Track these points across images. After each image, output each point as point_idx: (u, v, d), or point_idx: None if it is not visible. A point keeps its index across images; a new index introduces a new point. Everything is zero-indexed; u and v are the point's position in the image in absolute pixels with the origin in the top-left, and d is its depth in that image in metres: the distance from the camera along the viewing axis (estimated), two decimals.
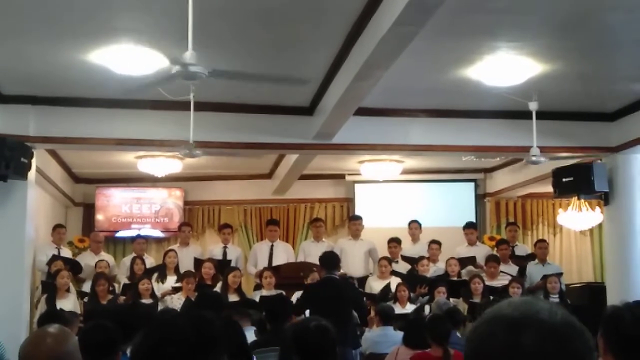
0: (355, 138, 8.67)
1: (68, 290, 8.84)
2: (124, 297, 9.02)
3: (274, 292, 8.88)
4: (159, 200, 12.57)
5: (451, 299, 8.84)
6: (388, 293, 9.16)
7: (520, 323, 1.31)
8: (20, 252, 8.12)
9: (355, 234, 10.85)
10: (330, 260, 7.64)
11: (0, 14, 5.73)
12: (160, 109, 8.08)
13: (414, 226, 11.01)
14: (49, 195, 11.16)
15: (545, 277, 9.51)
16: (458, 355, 5.46)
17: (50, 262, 9.38)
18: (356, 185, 12.72)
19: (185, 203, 12.70)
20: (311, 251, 10.24)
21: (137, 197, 12.51)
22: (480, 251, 10.53)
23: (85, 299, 9.08)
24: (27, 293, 8.42)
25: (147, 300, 8.75)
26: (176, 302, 8.78)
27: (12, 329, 7.36)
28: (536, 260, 10.22)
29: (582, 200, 10.08)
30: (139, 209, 12.48)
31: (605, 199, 9.23)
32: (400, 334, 6.46)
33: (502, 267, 9.84)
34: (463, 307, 8.70)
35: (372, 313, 8.19)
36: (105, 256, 10.55)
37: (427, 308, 8.64)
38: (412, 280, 9.51)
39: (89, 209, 12.54)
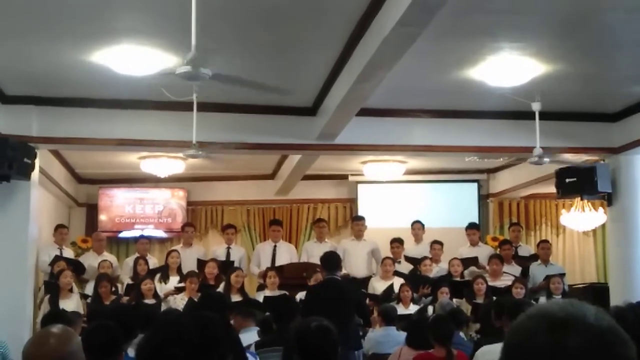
0: (358, 138, 8.67)
1: (71, 291, 8.84)
2: (127, 298, 9.03)
3: (277, 292, 8.88)
4: (162, 200, 12.58)
5: (454, 300, 8.83)
6: (391, 293, 9.16)
7: (567, 324, 1.30)
8: (23, 253, 8.13)
9: (358, 235, 10.85)
10: (331, 261, 7.63)
11: (2, 14, 5.74)
12: (163, 110, 8.09)
13: (417, 227, 11.01)
14: (52, 196, 11.17)
15: (548, 278, 9.50)
16: (461, 356, 5.46)
17: (52, 263, 9.39)
18: (359, 185, 12.72)
19: (188, 203, 12.71)
20: (314, 251, 10.23)
21: (140, 198, 12.52)
22: (483, 252, 10.53)
23: (88, 300, 9.08)
24: (30, 293, 8.43)
25: (149, 301, 8.75)
26: (179, 302, 8.78)
27: (16, 329, 7.38)
28: (539, 261, 10.22)
29: (585, 201, 10.09)
30: (142, 209, 12.48)
31: (608, 199, 9.22)
32: (403, 335, 6.46)
33: (505, 268, 9.83)
34: (466, 307, 8.69)
35: (375, 313, 8.19)
36: (108, 256, 10.56)
37: (430, 309, 8.64)
38: (415, 280, 9.51)
39: (92, 210, 12.55)
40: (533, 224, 12.89)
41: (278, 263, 10.22)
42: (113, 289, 9.22)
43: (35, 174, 8.21)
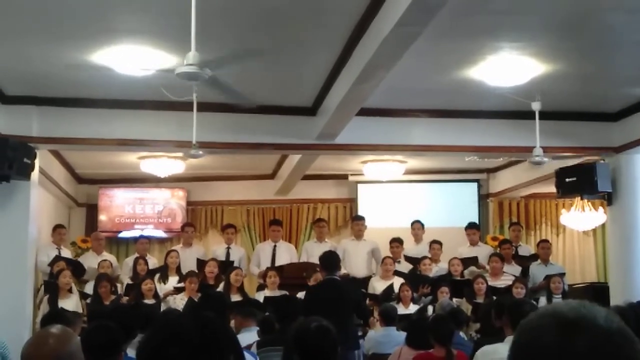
0: (358, 138, 8.67)
1: (70, 291, 8.84)
2: (127, 298, 9.02)
3: (277, 292, 8.88)
4: (162, 200, 12.58)
5: (454, 299, 8.83)
6: (391, 293, 9.15)
7: (576, 325, 1.30)
8: (23, 253, 8.13)
9: (358, 235, 10.84)
10: (330, 261, 7.62)
11: (2, 14, 5.74)
12: (163, 110, 8.09)
13: (417, 226, 11.01)
14: (52, 196, 11.17)
15: (547, 278, 9.50)
16: (461, 356, 5.46)
17: (52, 263, 9.38)
18: (359, 185, 12.72)
19: (188, 203, 12.71)
20: (314, 251, 10.21)
21: (140, 198, 12.52)
22: (482, 251, 10.53)
23: (88, 300, 9.08)
24: (30, 293, 8.43)
25: (149, 301, 8.75)
26: (179, 302, 8.78)
27: (15, 330, 7.37)
28: (539, 261, 10.22)
29: (585, 201, 10.09)
30: (141, 209, 12.49)
31: (608, 199, 9.22)
32: (403, 335, 6.45)
33: (505, 268, 9.83)
34: (466, 307, 8.69)
35: (375, 313, 8.19)
36: (108, 256, 10.56)
37: (430, 308, 8.64)
38: (415, 280, 9.51)
39: (92, 210, 12.55)
40: (533, 224, 12.89)
41: (278, 263, 10.21)
42: (113, 289, 9.22)
43: (35, 174, 8.21)
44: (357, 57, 6.33)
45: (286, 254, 10.60)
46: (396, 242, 10.54)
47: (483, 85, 7.44)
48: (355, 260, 10.55)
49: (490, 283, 9.18)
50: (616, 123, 9.03)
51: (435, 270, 10.00)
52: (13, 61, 6.92)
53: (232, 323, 6.45)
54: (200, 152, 7.40)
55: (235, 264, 9.93)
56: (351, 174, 12.45)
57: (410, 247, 10.74)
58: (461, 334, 6.84)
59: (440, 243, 10.49)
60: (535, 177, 11.23)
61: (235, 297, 8.59)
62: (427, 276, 9.68)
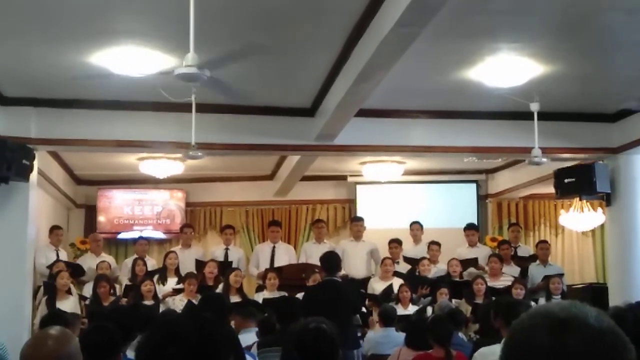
0: (357, 139, 8.67)
1: (69, 292, 8.84)
2: (126, 299, 9.02)
3: (276, 293, 8.88)
4: (161, 201, 12.57)
5: (453, 300, 8.83)
6: (390, 294, 9.16)
7: (567, 324, 1.31)
8: (22, 254, 8.12)
9: (357, 235, 10.84)
10: (331, 262, 7.62)
11: (1, 16, 5.74)
12: (162, 111, 8.09)
13: (416, 227, 11.01)
14: (51, 197, 11.17)
15: (546, 278, 9.51)
16: (460, 357, 5.46)
17: (51, 266, 9.38)
18: (358, 186, 12.72)
19: (187, 204, 12.71)
20: (313, 252, 10.22)
21: (139, 199, 12.52)
22: (481, 252, 10.55)
23: (87, 302, 9.07)
24: (29, 295, 8.43)
25: (149, 302, 8.74)
26: (178, 303, 8.78)
27: (14, 331, 7.37)
28: (538, 261, 10.22)
29: (584, 201, 10.09)
30: (140, 210, 12.48)
31: (607, 199, 9.22)
32: (402, 335, 6.46)
33: (504, 269, 9.84)
34: (466, 308, 8.69)
35: (375, 314, 8.19)
36: (106, 257, 10.56)
37: (429, 309, 8.64)
38: (414, 281, 9.51)
39: (91, 211, 12.55)
40: (532, 224, 12.89)
41: (277, 264, 10.21)
42: (112, 290, 9.22)
43: (33, 176, 8.20)
44: (355, 58, 6.33)
45: (285, 255, 10.60)
46: (395, 242, 10.55)
47: (482, 86, 7.45)
48: (354, 261, 10.55)
49: (489, 284, 9.19)
50: (615, 124, 9.03)
51: (434, 271, 10.01)
52: (12, 62, 6.91)
53: (232, 324, 6.45)
54: (199, 153, 7.40)
55: (234, 265, 9.94)
56: (350, 175, 12.45)
57: (409, 248, 10.75)
58: (460, 334, 6.85)
59: (438, 244, 10.49)
60: (534, 177, 11.24)
61: (235, 298, 8.58)
62: (426, 277, 9.68)
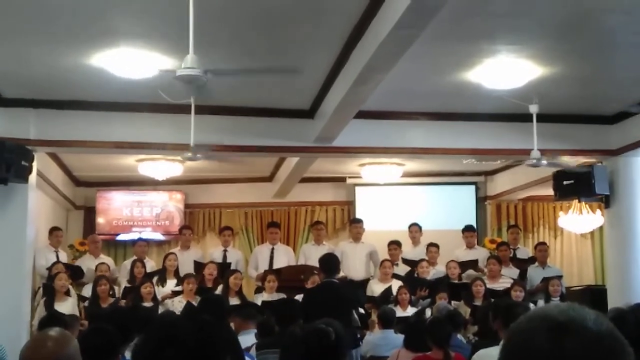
0: (356, 141, 8.67)
1: (67, 294, 8.83)
2: (125, 301, 9.02)
3: (275, 295, 8.88)
4: (160, 203, 12.58)
5: (452, 302, 8.83)
6: (389, 296, 9.16)
7: (566, 327, 1.31)
8: (21, 255, 8.12)
9: (356, 237, 10.84)
10: (330, 264, 7.61)
11: (0, 16, 5.74)
12: (161, 112, 8.09)
13: (414, 229, 11.01)
14: (50, 199, 11.17)
15: (545, 280, 9.50)
16: (459, 358, 5.46)
17: (50, 267, 9.38)
18: (357, 188, 12.72)
19: (186, 206, 12.71)
20: (311, 254, 10.22)
21: (138, 200, 12.52)
22: (479, 254, 10.55)
23: (86, 303, 9.07)
24: (28, 296, 8.42)
25: (148, 304, 8.74)
26: (177, 305, 8.78)
27: (13, 332, 7.37)
28: (536, 263, 10.22)
29: (583, 203, 10.09)
30: (139, 212, 12.49)
31: (606, 201, 9.23)
32: (401, 337, 6.45)
33: (503, 271, 9.83)
34: (464, 310, 8.69)
35: (374, 316, 8.19)
36: (105, 259, 10.56)
37: (428, 311, 8.64)
38: (413, 283, 9.51)
39: (90, 212, 12.55)
40: (531, 226, 12.90)
41: (276, 266, 10.21)
42: (111, 291, 9.22)
43: (32, 177, 8.20)
44: (355, 60, 6.33)
45: (284, 257, 10.59)
46: (394, 244, 10.54)
47: (481, 88, 7.45)
48: (354, 263, 10.55)
49: (488, 286, 9.19)
50: (614, 126, 9.03)
51: (433, 273, 10.00)
52: (10, 63, 6.91)
53: (232, 326, 6.45)
54: (198, 155, 7.40)
55: (233, 267, 9.94)
56: (349, 177, 12.46)
57: (408, 250, 10.74)
58: (459, 336, 6.85)
59: (437, 246, 10.49)
60: (533, 179, 11.23)
61: (234, 301, 8.58)
62: (424, 279, 9.68)
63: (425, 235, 10.98)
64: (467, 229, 10.97)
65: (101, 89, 7.50)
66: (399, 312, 8.45)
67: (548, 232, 12.84)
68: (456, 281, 9.65)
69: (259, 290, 9.67)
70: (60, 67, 6.86)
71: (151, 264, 10.53)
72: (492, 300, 8.24)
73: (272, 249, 10.65)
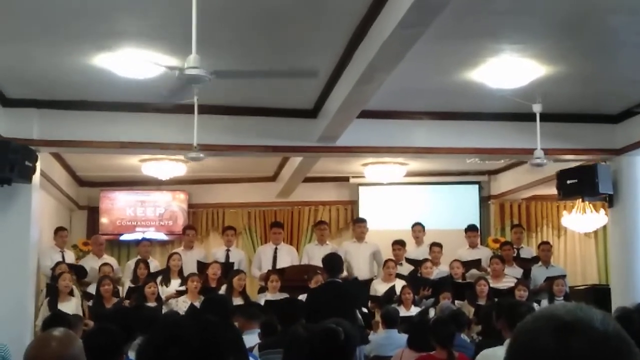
0: (359, 141, 8.67)
1: (71, 294, 8.84)
2: (129, 301, 9.03)
3: (278, 295, 8.88)
4: (163, 203, 12.58)
5: (456, 302, 8.83)
6: (393, 295, 9.15)
7: (573, 327, 1.30)
8: (25, 255, 8.13)
9: (360, 237, 10.84)
10: (333, 263, 7.61)
11: (4, 18, 5.75)
12: (164, 112, 8.09)
13: (418, 229, 11.00)
14: (53, 199, 11.18)
15: (548, 280, 9.49)
16: (462, 358, 5.46)
17: (54, 268, 9.39)
18: (360, 187, 12.72)
19: (190, 206, 12.72)
20: (315, 254, 10.21)
21: (142, 200, 12.52)
22: (482, 254, 10.54)
23: (90, 303, 9.08)
24: (32, 296, 8.43)
25: (152, 304, 8.74)
26: (181, 305, 8.77)
27: (16, 332, 7.39)
28: (540, 263, 10.21)
29: (587, 203, 10.08)
30: (143, 212, 12.49)
31: (609, 201, 9.21)
32: (404, 337, 6.45)
33: (506, 270, 9.82)
34: (468, 309, 8.68)
35: (377, 316, 8.18)
36: (109, 259, 10.57)
37: (431, 311, 8.63)
38: (416, 282, 9.50)
39: (94, 212, 12.57)
40: (534, 226, 12.88)
41: (279, 265, 10.21)
42: (115, 289, 9.23)
43: (36, 177, 8.21)
44: (358, 59, 6.33)
45: (287, 257, 10.59)
46: (398, 244, 10.53)
47: (484, 87, 7.44)
48: (357, 263, 10.54)
49: (492, 285, 9.17)
50: (617, 125, 9.02)
51: (436, 272, 9.99)
52: (15, 64, 6.93)
53: (236, 325, 6.45)
54: (202, 155, 7.41)
55: (235, 267, 9.94)
56: (352, 177, 12.45)
57: (411, 250, 10.73)
58: (463, 336, 6.84)
59: (440, 245, 10.47)
60: (536, 179, 11.22)
61: (237, 301, 8.58)
62: (428, 279, 9.67)
63: (428, 234, 10.97)
64: (471, 228, 10.96)
65: (104, 89, 7.51)
66: (403, 312, 8.44)
67: (552, 231, 12.82)
68: (460, 281, 9.65)
69: (262, 290, 9.67)
70: (64, 67, 6.87)
71: (155, 264, 10.53)
72: (496, 299, 8.23)
73: (276, 248, 10.65)
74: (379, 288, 9.69)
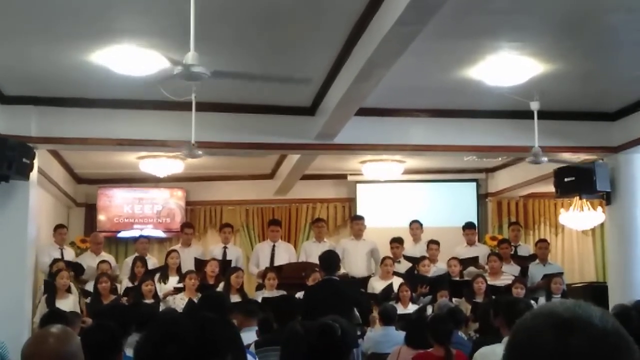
0: (357, 138, 8.67)
1: (69, 291, 8.84)
2: (126, 298, 9.03)
3: (276, 292, 8.88)
4: (161, 200, 12.58)
5: (453, 299, 8.84)
6: (390, 293, 9.16)
7: (572, 324, 1.31)
8: (22, 253, 8.12)
9: (358, 234, 10.84)
10: (330, 261, 7.61)
11: (2, 14, 5.74)
12: (162, 109, 8.09)
13: (415, 226, 11.01)
14: (51, 196, 11.17)
15: (546, 277, 9.50)
16: (460, 355, 5.47)
17: (51, 265, 9.39)
18: (358, 185, 12.72)
19: (187, 203, 12.71)
20: (312, 251, 10.22)
21: (139, 198, 12.52)
22: (479, 251, 10.55)
23: (88, 300, 9.08)
24: (29, 293, 8.42)
25: (149, 301, 8.74)
26: (179, 302, 8.78)
27: (14, 329, 7.37)
28: (537, 260, 10.22)
29: (584, 200, 10.09)
30: (140, 209, 12.49)
31: (607, 198, 9.22)
32: (402, 334, 6.46)
33: (504, 268, 9.84)
34: (466, 307, 8.69)
35: (375, 313, 8.19)
36: (106, 257, 10.57)
37: (429, 308, 8.65)
38: (414, 280, 9.51)
39: (91, 210, 12.56)
40: (532, 223, 12.89)
41: (277, 263, 10.22)
42: (113, 286, 9.23)
43: (34, 174, 8.20)
44: (356, 57, 6.32)
45: (285, 254, 10.60)
46: (396, 242, 10.54)
47: (482, 84, 7.44)
48: (355, 260, 10.54)
49: (489, 282, 9.20)
50: (615, 122, 9.02)
51: (434, 270, 10.01)
52: (12, 61, 6.91)
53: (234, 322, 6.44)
54: (199, 152, 7.40)
55: (233, 264, 9.94)
56: (350, 174, 12.45)
57: (409, 247, 10.75)
58: (460, 333, 6.85)
59: (437, 243, 10.49)
60: (534, 176, 11.23)
61: (235, 298, 8.59)
62: (425, 276, 9.68)
63: (426, 232, 10.98)
64: (468, 226, 10.97)
65: (102, 86, 7.50)
66: (400, 310, 8.45)
67: (549, 229, 12.83)
68: (457, 278, 9.66)
69: (259, 287, 9.67)
70: (62, 64, 6.86)
71: (152, 261, 10.53)
72: (493, 297, 8.24)
73: (273, 246, 10.65)
74: (377, 285, 9.70)
